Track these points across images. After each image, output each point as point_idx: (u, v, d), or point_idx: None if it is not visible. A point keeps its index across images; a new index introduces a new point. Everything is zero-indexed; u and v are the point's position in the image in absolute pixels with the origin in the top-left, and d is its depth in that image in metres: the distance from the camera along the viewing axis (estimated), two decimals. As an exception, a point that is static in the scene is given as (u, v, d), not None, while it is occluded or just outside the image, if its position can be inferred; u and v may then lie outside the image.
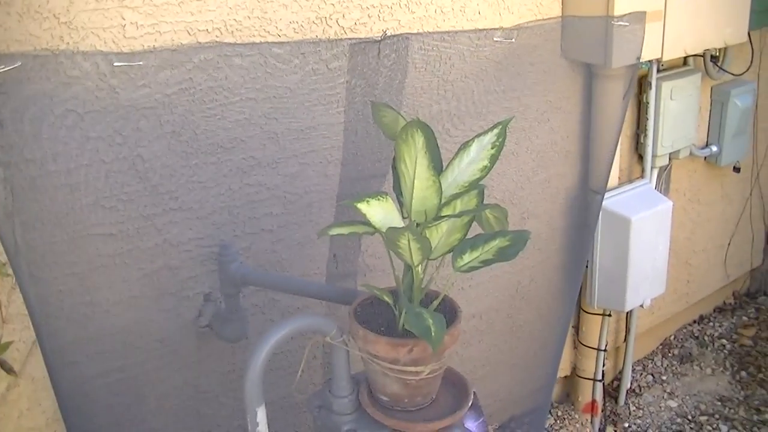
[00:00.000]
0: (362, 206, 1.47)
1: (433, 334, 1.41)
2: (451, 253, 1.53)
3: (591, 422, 3.35)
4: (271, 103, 2.03)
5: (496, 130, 1.53)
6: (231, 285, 2.04)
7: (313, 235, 2.20)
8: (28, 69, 1.61)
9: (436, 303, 1.57)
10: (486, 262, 1.51)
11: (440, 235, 1.54)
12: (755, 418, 3.38)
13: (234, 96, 1.97)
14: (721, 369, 3.72)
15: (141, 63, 1.73)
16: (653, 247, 3.01)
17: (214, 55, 1.90)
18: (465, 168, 1.52)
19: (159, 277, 2.00)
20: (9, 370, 1.88)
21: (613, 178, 3.05)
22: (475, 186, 1.53)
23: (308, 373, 2.22)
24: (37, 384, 1.96)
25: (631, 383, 3.57)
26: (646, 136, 3.12)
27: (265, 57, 1.98)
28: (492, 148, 1.52)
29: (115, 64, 1.69)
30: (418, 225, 1.50)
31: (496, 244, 1.51)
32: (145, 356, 2.06)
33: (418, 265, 1.52)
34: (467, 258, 1.51)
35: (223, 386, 2.21)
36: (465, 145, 1.54)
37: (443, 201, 1.49)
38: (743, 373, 3.68)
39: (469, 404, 1.62)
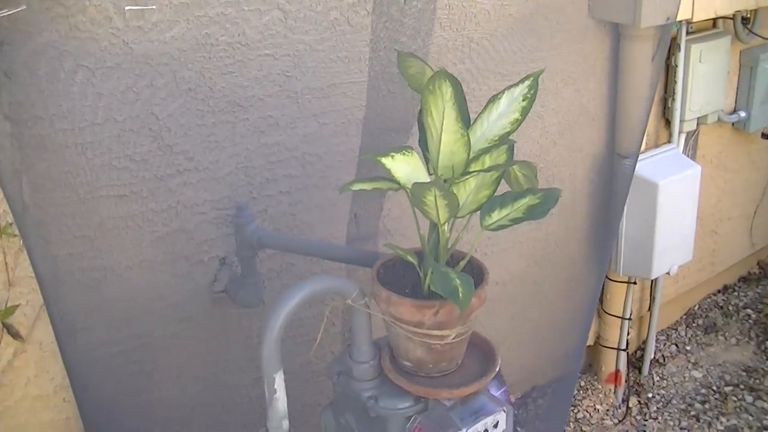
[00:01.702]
0: (386, 161, 1.39)
1: (460, 295, 1.34)
2: (479, 212, 1.46)
3: (614, 392, 3.28)
4: (290, 60, 1.96)
5: (527, 82, 1.45)
6: (247, 248, 1.97)
7: (333, 198, 2.13)
8: (34, 16, 1.54)
9: (462, 263, 1.50)
10: (515, 221, 1.44)
11: (468, 192, 1.47)
12: (781, 388, 3.31)
13: (252, 52, 1.90)
14: (746, 339, 3.64)
15: (154, 7, 1.66)
16: (681, 212, 2.93)
17: (231, 10, 1.83)
18: (494, 121, 1.45)
19: (172, 241, 1.94)
20: (15, 335, 1.81)
21: (639, 143, 2.97)
22: (505, 140, 1.45)
23: (326, 341, 2.15)
24: (45, 350, 1.89)
25: (655, 353, 3.50)
26: (674, 100, 3.03)
27: (284, 12, 1.91)
28: (523, 101, 1.44)
29: (127, 8, 1.62)
30: (445, 180, 1.42)
31: (526, 201, 1.44)
32: (158, 323, 2.00)
33: (444, 224, 1.45)
34: (496, 216, 1.44)
35: (241, 353, 2.15)
36: (494, 98, 1.46)
37: (471, 156, 1.42)
38: (768, 344, 3.61)
39: (497, 370, 1.55)
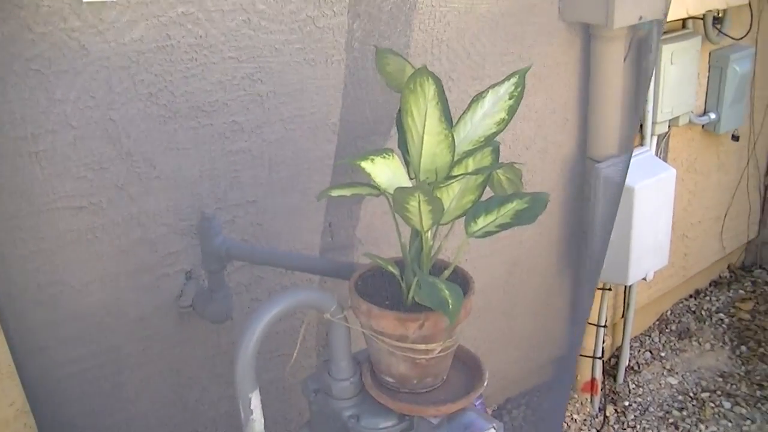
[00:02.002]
0: (366, 165, 1.30)
1: (450, 306, 1.25)
2: (464, 218, 1.37)
3: (591, 401, 3.21)
4: (255, 63, 1.87)
5: (513, 79, 1.37)
6: (215, 260, 1.88)
7: (302, 206, 2.04)
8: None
9: (447, 273, 1.41)
10: (502, 227, 1.36)
11: (452, 196, 1.38)
12: (758, 393, 3.26)
13: (215, 55, 1.81)
14: (721, 344, 3.60)
15: None
16: (656, 217, 2.87)
17: (193, 10, 1.73)
18: (479, 122, 1.36)
19: (135, 253, 1.83)
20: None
21: (612, 146, 2.90)
22: (490, 142, 1.37)
23: (300, 356, 2.06)
24: (2, 372, 1.78)
25: (629, 360, 3.44)
26: (646, 101, 2.97)
27: (248, 13, 1.82)
28: (509, 99, 1.36)
29: (84, 0, 1.52)
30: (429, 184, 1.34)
31: (513, 206, 1.36)
32: (121, 340, 1.89)
33: (427, 231, 1.37)
34: (482, 222, 1.36)
35: (208, 371, 2.05)
36: (478, 97, 1.37)
37: (455, 159, 1.33)
38: (743, 348, 3.56)
39: (484, 384, 1.47)
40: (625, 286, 3.21)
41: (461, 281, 1.43)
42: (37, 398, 1.79)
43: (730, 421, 3.12)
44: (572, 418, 3.13)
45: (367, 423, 1.45)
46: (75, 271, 1.76)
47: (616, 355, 3.42)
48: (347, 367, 1.48)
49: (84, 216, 1.73)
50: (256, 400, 1.38)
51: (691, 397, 3.28)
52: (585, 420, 3.16)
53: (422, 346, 1.37)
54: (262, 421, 1.40)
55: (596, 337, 3.10)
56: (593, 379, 3.17)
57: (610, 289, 3.05)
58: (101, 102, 1.68)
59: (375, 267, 1.49)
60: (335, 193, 1.37)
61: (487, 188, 1.41)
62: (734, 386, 3.32)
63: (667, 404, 3.24)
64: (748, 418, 3.12)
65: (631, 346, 3.49)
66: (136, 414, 1.97)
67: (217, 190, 1.90)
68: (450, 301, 1.26)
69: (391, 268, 1.41)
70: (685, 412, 3.19)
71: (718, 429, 3.09)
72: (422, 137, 1.31)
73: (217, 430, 2.11)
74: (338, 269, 1.66)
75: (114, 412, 1.93)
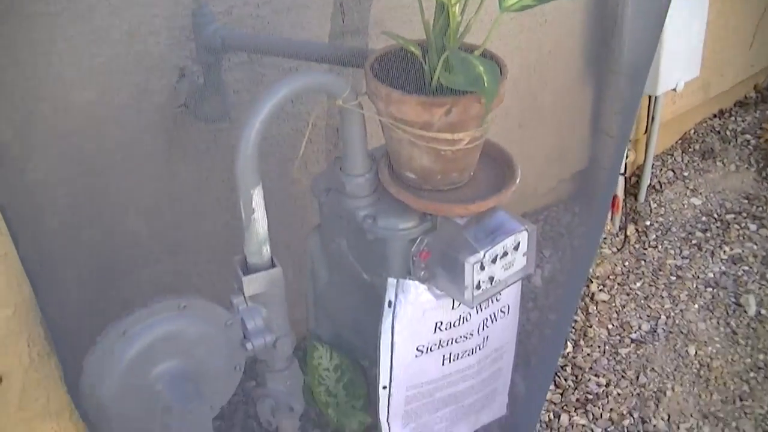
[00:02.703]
0: None
1: (486, 84, 1.07)
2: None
3: (611, 220, 3.06)
4: None
5: None
6: (209, 52, 1.67)
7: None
8: None
9: (477, 53, 1.22)
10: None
11: (486, -42, 1.18)
12: (784, 215, 3.12)
13: None
14: (746, 166, 3.43)
15: None
16: (689, 21, 2.65)
17: None
18: None
19: (122, 46, 1.63)
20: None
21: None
22: None
23: (307, 161, 1.88)
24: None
25: (651, 180, 3.28)
26: None
27: None
28: None
29: None
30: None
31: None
32: (110, 143, 1.71)
33: (455, 3, 1.17)
34: (521, -10, 1.16)
35: (204, 174, 1.88)
36: None
37: None
38: (769, 170, 3.40)
39: (517, 181, 1.30)
40: (650, 99, 3.01)
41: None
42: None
43: (756, 244, 2.98)
44: (592, 237, 3.00)
45: (384, 223, 1.29)
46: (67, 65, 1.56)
47: (638, 174, 3.25)
48: (362, 161, 1.30)
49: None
50: (258, 197, 1.21)
51: (715, 218, 3.13)
52: (605, 239, 3.02)
53: (448, 135, 1.19)
54: (266, 220, 1.23)
55: (619, 152, 2.92)
56: (615, 196, 3.00)
57: (635, 102, 2.86)
58: None
59: (394, 48, 1.29)
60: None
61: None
62: (760, 208, 3.16)
63: (690, 225, 3.10)
64: (773, 240, 3.00)
65: (653, 165, 3.32)
66: (125, 230, 1.81)
67: (211, -25, 1.69)
68: (485, 78, 1.07)
69: (412, 48, 1.22)
70: (708, 234, 3.05)
71: (743, 251, 2.96)
72: None
73: (219, 240, 1.96)
74: (352, 55, 1.45)
75: (100, 222, 1.77)
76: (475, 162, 1.30)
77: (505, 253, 1.27)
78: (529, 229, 1.29)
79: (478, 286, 1.25)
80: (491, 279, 1.27)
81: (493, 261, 1.26)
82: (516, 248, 1.29)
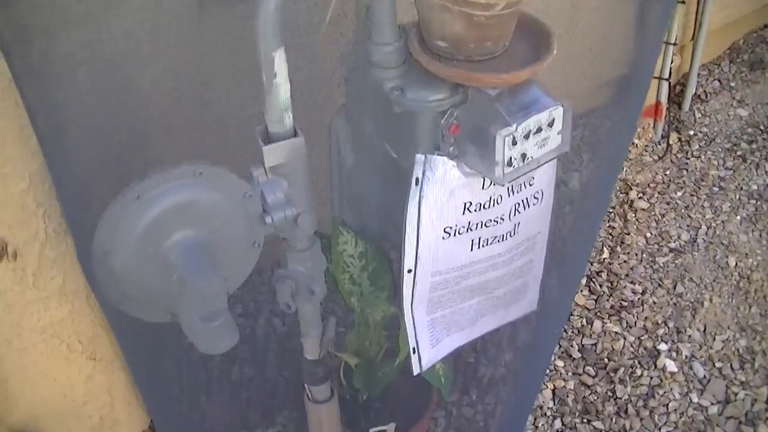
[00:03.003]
0: None
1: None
2: None
3: (653, 127, 2.97)
4: None
5: None
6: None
7: None
8: None
9: None
10: None
11: None
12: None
13: None
14: (797, 78, 3.31)
15: None
16: None
17: None
18: None
19: None
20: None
21: None
22: None
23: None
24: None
25: (696, 89, 3.17)
26: None
27: None
28: None
29: None
30: None
31: None
32: (132, 24, 1.64)
33: None
34: None
35: (231, 60, 1.81)
36: None
37: None
38: (821, 82, 3.27)
39: (553, 52, 1.22)
40: (698, 3, 2.88)
41: None
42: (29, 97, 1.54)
43: (803, 157, 2.90)
44: (633, 143, 2.91)
45: (413, 95, 1.23)
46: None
47: (682, 82, 3.14)
48: (391, 29, 1.23)
49: None
50: (280, 61, 1.14)
51: (761, 130, 3.02)
52: (647, 146, 2.94)
53: (482, 0, 1.12)
54: (288, 87, 1.16)
55: (664, 55, 2.81)
56: (658, 103, 2.90)
57: (683, 2, 2.74)
58: None
59: None
60: None
61: None
62: (808, 121, 3.07)
63: (735, 136, 3.00)
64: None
65: (699, 74, 3.21)
66: (146, 118, 1.75)
67: None
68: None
69: None
70: (754, 145, 2.95)
71: (789, 164, 2.88)
72: None
73: (241, 133, 1.90)
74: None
75: (122, 114, 1.72)
76: (511, 32, 1.22)
77: (539, 129, 1.20)
78: (564, 104, 1.22)
79: (510, 163, 1.19)
80: (523, 156, 1.20)
81: (526, 137, 1.19)
82: (550, 125, 1.22)
